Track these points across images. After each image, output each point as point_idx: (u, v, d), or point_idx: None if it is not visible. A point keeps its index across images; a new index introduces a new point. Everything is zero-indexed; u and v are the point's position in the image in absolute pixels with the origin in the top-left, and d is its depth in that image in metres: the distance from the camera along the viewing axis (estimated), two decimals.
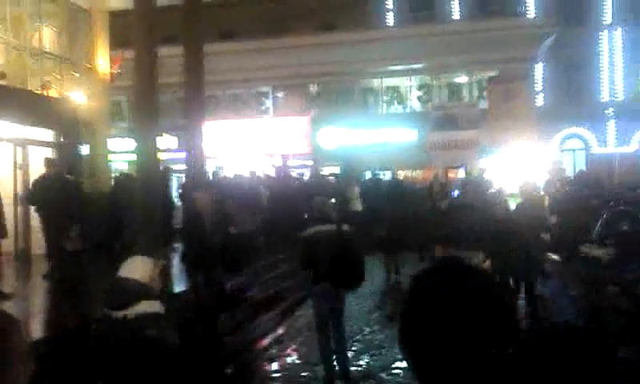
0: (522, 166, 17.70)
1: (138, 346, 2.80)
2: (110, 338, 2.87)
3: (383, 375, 6.69)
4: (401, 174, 20.17)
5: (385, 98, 24.45)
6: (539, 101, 23.99)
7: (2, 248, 9.04)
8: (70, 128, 12.91)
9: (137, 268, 2.98)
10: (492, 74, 22.44)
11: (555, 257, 11.64)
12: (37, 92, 12.50)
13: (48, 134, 12.52)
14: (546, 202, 13.11)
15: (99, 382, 2.93)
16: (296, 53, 22.67)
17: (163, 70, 14.81)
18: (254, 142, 22.77)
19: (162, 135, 18.70)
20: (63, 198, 8.73)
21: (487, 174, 15.81)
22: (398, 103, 24.43)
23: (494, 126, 19.65)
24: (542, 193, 12.68)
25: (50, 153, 11.77)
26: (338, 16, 24.25)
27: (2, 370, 1.09)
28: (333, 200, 15.83)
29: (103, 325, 2.94)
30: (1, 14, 12.41)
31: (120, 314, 2.86)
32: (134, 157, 14.08)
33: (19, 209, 11.03)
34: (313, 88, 24.94)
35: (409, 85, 24.35)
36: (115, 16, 16.04)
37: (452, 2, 25.00)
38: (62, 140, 12.59)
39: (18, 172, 11.46)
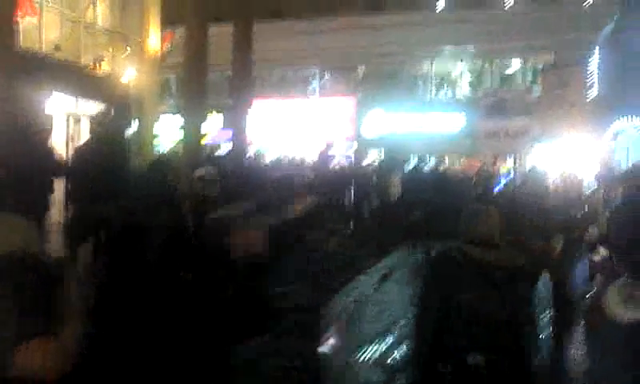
0: (574, 156, 17.14)
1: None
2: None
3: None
4: (446, 162, 19.86)
5: (434, 82, 23.97)
6: (594, 90, 23.07)
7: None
8: (121, 102, 13.16)
9: None
10: (547, 59, 21.68)
11: (605, 252, 11.22)
12: (90, 66, 12.78)
13: (99, 108, 12.78)
14: (600, 195, 12.65)
15: None
16: (344, 34, 22.42)
17: (212, 48, 14.95)
18: (299, 125, 22.76)
19: (210, 113, 18.91)
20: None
21: (545, 164, 15.41)
22: (448, 88, 23.92)
23: (547, 115, 19.04)
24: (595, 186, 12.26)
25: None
26: None
27: (57, 317, 1.08)
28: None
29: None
30: None
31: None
32: (181, 134, 14.31)
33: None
34: (360, 70, 24.68)
35: (459, 70, 23.79)
36: None
37: None
38: (112, 114, 12.82)
39: (70, 145, 11.76)
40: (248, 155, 12.70)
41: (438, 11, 23.76)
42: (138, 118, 14.37)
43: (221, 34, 16.87)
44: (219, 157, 11.83)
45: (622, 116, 23.03)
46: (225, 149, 16.02)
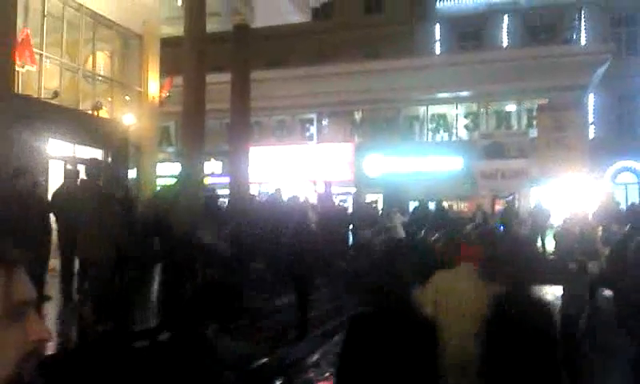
0: (572, 197, 17.12)
1: None
2: None
3: None
4: (446, 204, 19.85)
5: (430, 125, 24.15)
6: (591, 132, 23.25)
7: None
8: (119, 148, 13.21)
9: None
10: (542, 102, 21.89)
11: (607, 292, 11.07)
12: (88, 112, 12.88)
13: (98, 154, 12.82)
14: (599, 234, 12.66)
15: None
16: (341, 80, 22.71)
17: (210, 96, 15.09)
18: (298, 169, 22.82)
19: (209, 160, 18.97)
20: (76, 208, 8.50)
21: (544, 204, 15.46)
22: (444, 131, 24.07)
23: (544, 156, 19.11)
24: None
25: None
26: (384, 45, 24.29)
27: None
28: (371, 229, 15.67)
29: None
30: (58, 38, 12.93)
31: None
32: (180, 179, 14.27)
33: None
34: (358, 115, 24.90)
35: (455, 113, 23.99)
36: (166, 43, 16.49)
37: (500, 34, 24.71)
38: (110, 160, 12.87)
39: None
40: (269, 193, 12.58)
41: (432, 56, 24.16)
42: (137, 162, 14.42)
43: (219, 82, 17.09)
44: None
45: (619, 159, 23.18)
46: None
